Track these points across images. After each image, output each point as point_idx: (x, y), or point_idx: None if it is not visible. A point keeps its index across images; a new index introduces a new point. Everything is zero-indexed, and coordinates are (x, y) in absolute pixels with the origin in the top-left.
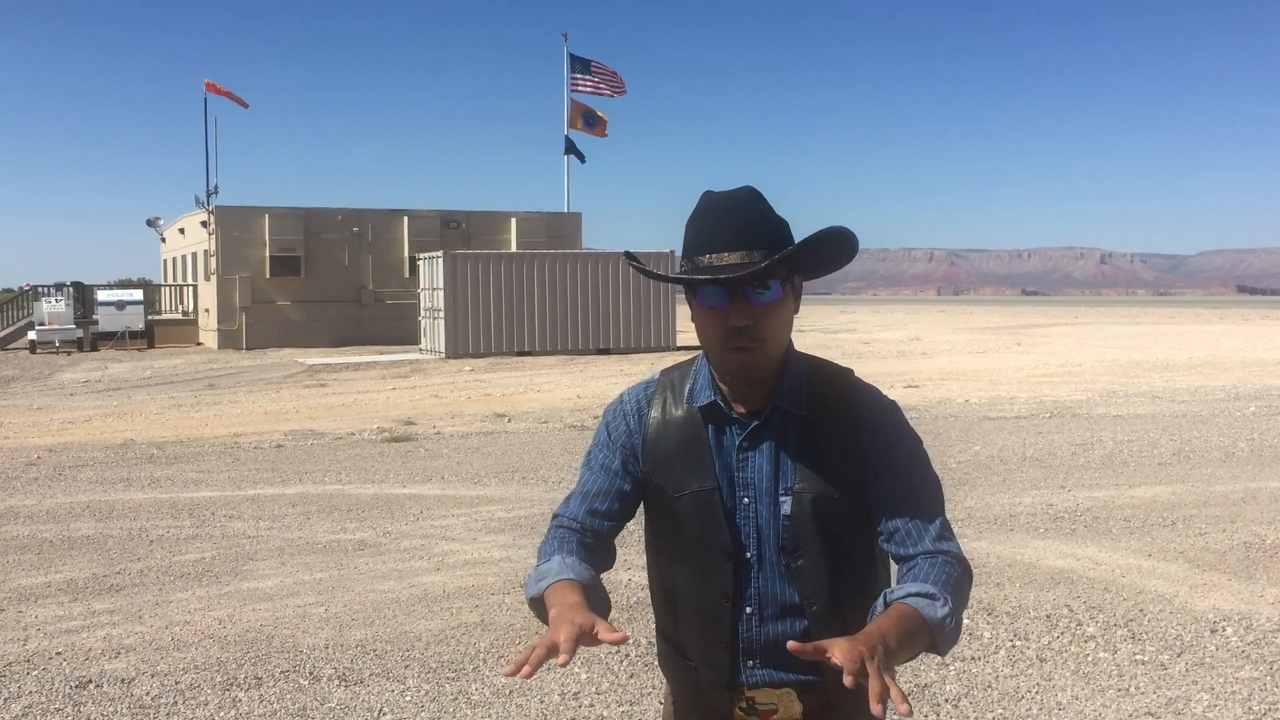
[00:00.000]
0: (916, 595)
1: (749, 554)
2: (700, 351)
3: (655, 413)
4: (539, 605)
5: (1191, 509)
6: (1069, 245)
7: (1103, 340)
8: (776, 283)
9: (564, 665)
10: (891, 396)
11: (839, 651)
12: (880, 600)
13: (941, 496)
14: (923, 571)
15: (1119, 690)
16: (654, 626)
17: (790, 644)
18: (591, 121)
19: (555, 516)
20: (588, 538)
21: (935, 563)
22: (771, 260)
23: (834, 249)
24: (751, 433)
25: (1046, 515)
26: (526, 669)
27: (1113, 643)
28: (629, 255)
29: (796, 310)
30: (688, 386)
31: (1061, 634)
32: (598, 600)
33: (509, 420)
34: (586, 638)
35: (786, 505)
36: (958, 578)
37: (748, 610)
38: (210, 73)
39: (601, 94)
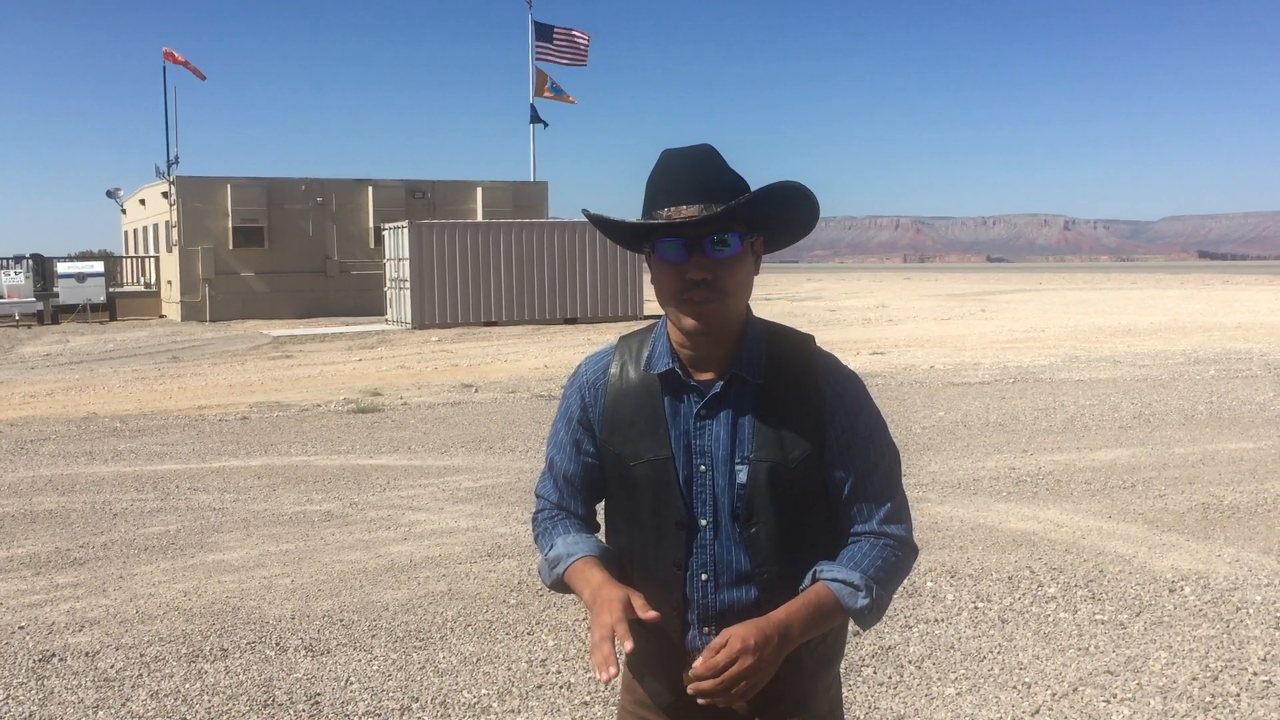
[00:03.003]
0: (841, 582)
1: (704, 522)
2: (660, 319)
3: (613, 381)
4: (562, 587)
5: (1151, 471)
6: (1033, 212)
7: (1066, 306)
8: (735, 237)
9: (630, 651)
10: (856, 363)
11: (727, 648)
12: (810, 575)
13: (898, 473)
14: (860, 552)
15: (1079, 649)
16: None
17: (695, 669)
18: (557, 91)
19: (537, 498)
20: (572, 519)
21: (876, 545)
22: (728, 206)
23: (792, 203)
24: (709, 401)
25: (1009, 479)
26: (613, 669)
27: (1073, 603)
28: (587, 213)
29: (756, 271)
30: (646, 353)
31: (1023, 595)
32: (613, 565)
33: (476, 390)
34: (628, 610)
35: (742, 474)
36: (893, 563)
37: (703, 577)
38: (169, 41)
39: (564, 63)
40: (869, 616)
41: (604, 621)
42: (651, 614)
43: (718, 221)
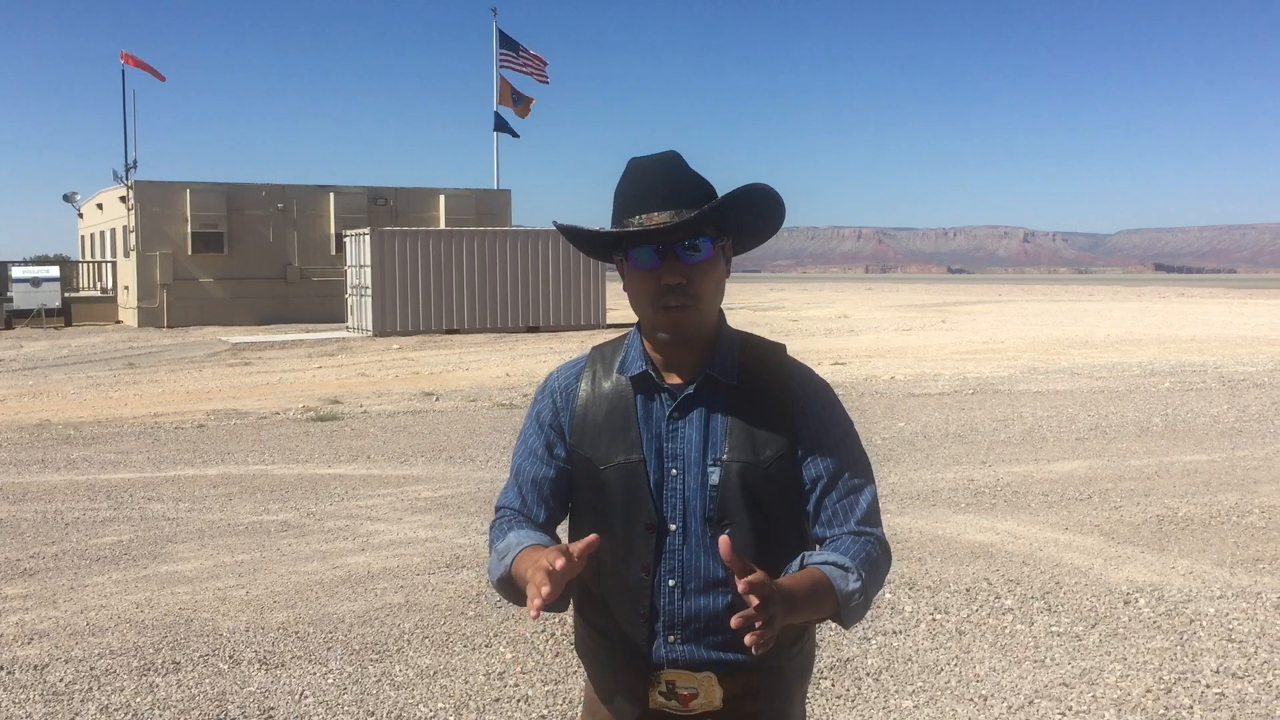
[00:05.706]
0: (832, 565)
1: (674, 526)
2: (633, 327)
3: (584, 386)
4: (507, 584)
5: (1107, 483)
6: (994, 224)
7: (1025, 318)
8: (707, 242)
9: (561, 568)
10: (820, 374)
11: (754, 575)
12: (796, 561)
13: (871, 478)
14: (843, 545)
15: (1035, 661)
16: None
17: (723, 547)
18: (516, 100)
19: (498, 509)
20: (531, 524)
21: (857, 541)
22: (701, 211)
23: (760, 206)
24: (682, 402)
25: (967, 490)
26: (547, 589)
27: (1030, 615)
28: (558, 224)
29: (727, 274)
30: (619, 359)
31: (980, 607)
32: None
33: (437, 399)
34: (563, 551)
35: (714, 475)
36: (876, 558)
37: (670, 584)
38: (127, 44)
39: (525, 73)
40: (856, 604)
41: (541, 567)
42: (585, 541)
43: (690, 227)
